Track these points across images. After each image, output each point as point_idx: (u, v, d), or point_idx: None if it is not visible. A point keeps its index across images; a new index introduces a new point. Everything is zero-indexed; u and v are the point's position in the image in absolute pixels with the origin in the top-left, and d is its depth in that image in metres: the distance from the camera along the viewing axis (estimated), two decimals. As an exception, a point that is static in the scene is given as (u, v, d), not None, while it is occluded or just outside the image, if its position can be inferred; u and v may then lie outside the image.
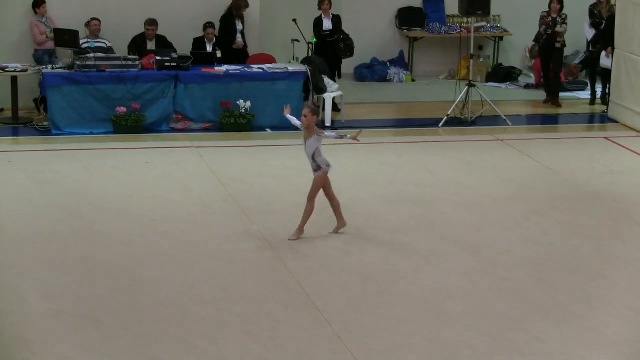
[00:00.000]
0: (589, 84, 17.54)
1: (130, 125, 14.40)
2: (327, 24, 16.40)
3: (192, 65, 14.82)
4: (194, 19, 16.08)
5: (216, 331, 8.16)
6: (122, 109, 14.36)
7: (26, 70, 14.86)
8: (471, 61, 16.20)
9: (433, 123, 15.42)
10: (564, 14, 16.65)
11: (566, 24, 16.62)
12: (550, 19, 16.65)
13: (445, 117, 15.42)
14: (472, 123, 15.52)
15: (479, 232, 10.65)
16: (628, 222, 11.11)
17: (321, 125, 15.18)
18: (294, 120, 10.41)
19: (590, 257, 10.02)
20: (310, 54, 15.85)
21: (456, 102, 15.55)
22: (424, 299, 8.88)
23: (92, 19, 15.51)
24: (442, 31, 18.87)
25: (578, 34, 18.04)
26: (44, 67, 14.83)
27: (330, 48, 16.38)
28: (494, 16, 18.70)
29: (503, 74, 18.74)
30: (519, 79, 18.78)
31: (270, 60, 16.07)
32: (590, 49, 17.35)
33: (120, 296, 8.77)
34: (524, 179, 12.61)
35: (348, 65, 17.63)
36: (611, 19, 16.28)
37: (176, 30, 15.90)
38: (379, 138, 14.62)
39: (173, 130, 14.74)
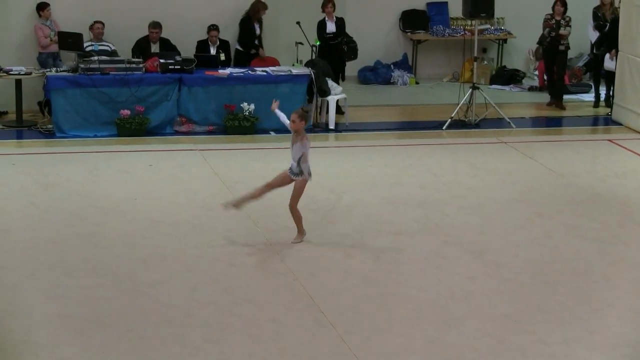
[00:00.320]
0: (593, 87, 17.53)
1: (134, 128, 14.41)
2: (331, 27, 16.37)
3: (195, 68, 14.84)
4: (197, 22, 16.10)
5: (220, 333, 8.16)
6: (126, 112, 14.38)
7: (30, 73, 14.86)
8: (475, 64, 16.23)
9: (437, 125, 15.41)
10: (567, 16, 16.64)
11: (570, 26, 16.61)
12: (554, 21, 16.64)
13: (449, 120, 15.41)
14: (476, 125, 15.52)
15: (482, 235, 10.65)
16: (631, 225, 11.10)
17: (325, 128, 15.25)
18: (283, 117, 10.25)
19: (594, 259, 10.01)
20: (314, 57, 15.86)
21: (460, 105, 15.55)
22: (427, 302, 8.87)
23: (95, 22, 15.55)
24: (446, 34, 18.83)
25: (582, 36, 18.02)
26: (48, 70, 14.85)
27: (334, 51, 16.35)
28: (497, 19, 18.68)
29: (507, 77, 18.73)
30: (523, 81, 18.77)
31: (274, 62, 16.10)
32: (594, 51, 17.31)
33: (124, 298, 8.78)
34: (527, 181, 12.59)
35: (352, 68, 17.61)
36: (615, 21, 16.27)
37: (180, 33, 15.93)
38: (383, 140, 14.64)
39: (177, 133, 14.75)
